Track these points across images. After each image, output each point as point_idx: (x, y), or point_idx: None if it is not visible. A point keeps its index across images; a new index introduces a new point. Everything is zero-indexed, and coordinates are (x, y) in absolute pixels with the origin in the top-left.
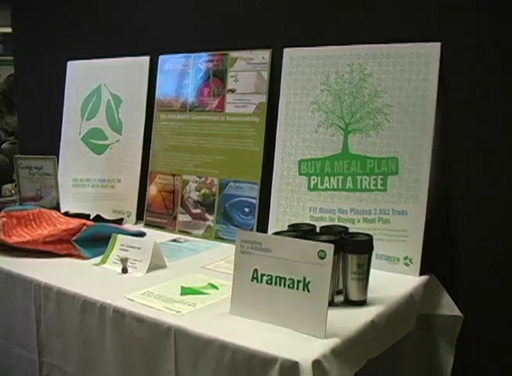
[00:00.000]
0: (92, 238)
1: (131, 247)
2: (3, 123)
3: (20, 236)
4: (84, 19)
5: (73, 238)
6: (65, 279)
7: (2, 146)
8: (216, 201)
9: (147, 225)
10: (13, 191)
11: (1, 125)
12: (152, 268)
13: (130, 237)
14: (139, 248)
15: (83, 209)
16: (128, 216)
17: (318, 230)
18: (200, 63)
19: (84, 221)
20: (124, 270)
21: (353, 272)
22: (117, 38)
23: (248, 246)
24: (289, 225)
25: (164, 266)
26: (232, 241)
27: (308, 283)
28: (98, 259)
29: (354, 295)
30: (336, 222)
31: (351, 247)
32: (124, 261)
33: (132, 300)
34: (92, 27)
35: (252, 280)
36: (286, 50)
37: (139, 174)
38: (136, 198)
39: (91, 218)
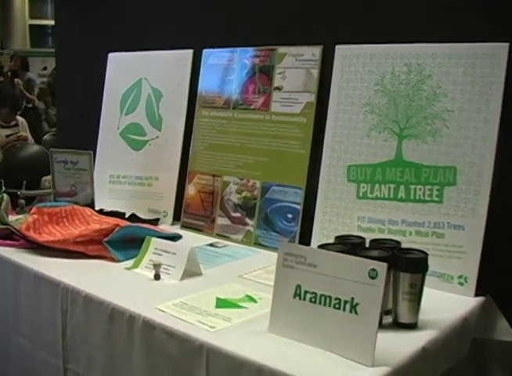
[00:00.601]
0: (125, 239)
1: (166, 251)
2: (48, 114)
3: (51, 233)
4: (127, 11)
5: (106, 239)
6: (94, 283)
7: (44, 137)
8: (257, 205)
9: (184, 226)
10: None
11: (45, 116)
12: (186, 275)
13: (165, 241)
14: (174, 254)
15: (118, 207)
16: (165, 216)
17: (367, 243)
18: (245, 58)
19: (117, 221)
20: (157, 277)
21: (405, 292)
22: (159, 30)
23: (291, 259)
24: (336, 237)
25: (199, 274)
26: (272, 249)
27: (357, 304)
28: (130, 262)
29: (404, 317)
30: (385, 234)
31: (404, 265)
32: (157, 266)
33: (164, 311)
34: (134, 18)
35: (294, 297)
36: (338, 47)
37: (178, 173)
38: (174, 198)
39: (127, 216)
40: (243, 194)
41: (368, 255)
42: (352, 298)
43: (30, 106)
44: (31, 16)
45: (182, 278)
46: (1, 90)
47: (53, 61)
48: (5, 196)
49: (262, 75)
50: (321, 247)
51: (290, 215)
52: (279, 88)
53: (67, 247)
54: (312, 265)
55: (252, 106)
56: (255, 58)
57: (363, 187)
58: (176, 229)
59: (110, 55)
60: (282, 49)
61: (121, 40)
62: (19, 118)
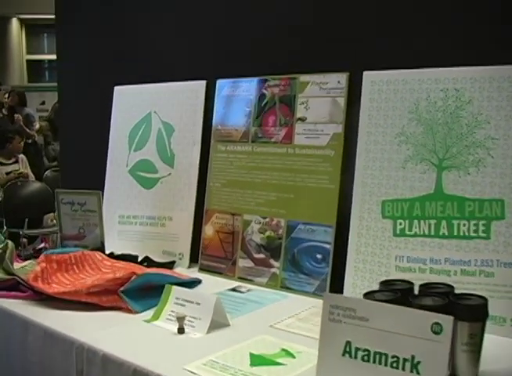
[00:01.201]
0: (142, 288)
1: (189, 301)
2: (48, 150)
3: (61, 283)
4: (133, 42)
5: (121, 289)
6: (112, 340)
7: (45, 173)
8: (283, 246)
9: (202, 269)
10: (55, 221)
11: (45, 152)
12: (213, 327)
13: (187, 290)
14: (198, 304)
15: (129, 249)
16: (181, 259)
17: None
18: (263, 87)
19: (131, 267)
20: (181, 330)
21: (464, 343)
22: (168, 61)
23: (339, 313)
24: (381, 283)
25: (226, 325)
26: (301, 292)
27: (418, 363)
28: (149, 314)
29: (464, 371)
30: (427, 274)
31: (463, 314)
32: (180, 319)
33: (193, 373)
34: (142, 49)
35: (343, 355)
36: (366, 73)
37: (194, 212)
38: (190, 239)
39: (140, 260)
40: (267, 234)
41: (422, 305)
42: (413, 356)
43: (30, 141)
44: (28, 52)
45: (209, 331)
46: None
47: (51, 95)
48: (10, 243)
49: (283, 106)
50: (367, 295)
51: (319, 256)
52: (302, 120)
53: (80, 299)
54: (364, 319)
55: (273, 139)
56: (274, 87)
57: (400, 224)
58: (194, 273)
59: (116, 88)
60: (304, 77)
61: (128, 72)
62: (20, 155)
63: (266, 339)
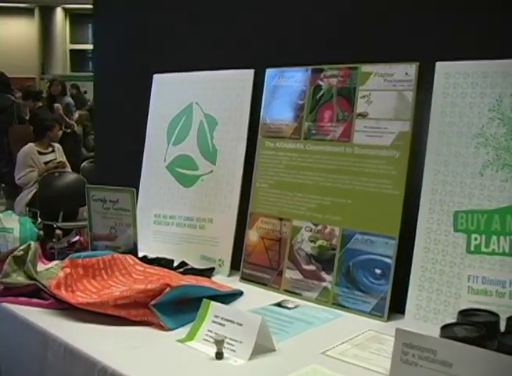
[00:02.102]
0: (177, 301)
1: (230, 321)
2: (88, 140)
3: (86, 291)
4: (173, 28)
5: (153, 302)
6: (139, 363)
7: (83, 164)
8: (336, 257)
9: (244, 279)
10: None
11: (84, 142)
12: (256, 351)
13: (227, 308)
14: (240, 325)
15: (164, 252)
16: (220, 266)
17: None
18: (319, 78)
19: (167, 277)
20: (219, 355)
21: None
22: (213, 47)
23: (414, 354)
24: (459, 313)
25: (272, 349)
26: (356, 311)
27: None
28: (183, 332)
29: None
30: (507, 299)
31: None
32: (219, 343)
33: None
34: (182, 35)
35: None
36: (439, 64)
37: (236, 214)
38: (232, 244)
39: (175, 265)
40: (319, 243)
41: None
42: None
43: (69, 131)
44: (72, 41)
45: (251, 357)
46: (39, 116)
47: (92, 85)
48: (33, 244)
49: (341, 99)
50: (445, 330)
51: (378, 271)
52: (363, 115)
53: (106, 312)
54: (446, 364)
55: (329, 137)
56: (332, 78)
57: (475, 239)
58: (235, 283)
59: (155, 76)
60: (366, 68)
61: (168, 59)
62: (55, 144)
63: (317, 370)
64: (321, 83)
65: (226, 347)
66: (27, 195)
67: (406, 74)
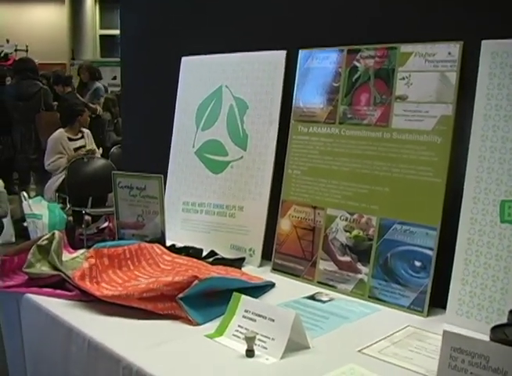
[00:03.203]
0: (205, 293)
1: (261, 316)
2: (117, 124)
3: (111, 282)
4: (201, 7)
5: (180, 295)
6: (167, 360)
7: (112, 150)
8: (373, 248)
9: (276, 270)
10: None
11: (113, 127)
12: (289, 349)
13: (258, 302)
14: (272, 320)
15: (193, 241)
16: (251, 256)
17: None
18: (355, 59)
19: (196, 268)
20: (250, 353)
21: None
22: (243, 28)
23: (464, 359)
24: (510, 312)
25: (306, 347)
26: (394, 305)
27: None
28: (211, 327)
29: None
30: None
31: None
32: (249, 340)
33: None
34: (212, 14)
35: None
36: (485, 42)
37: (268, 202)
38: (263, 233)
39: (204, 255)
40: (354, 233)
41: None
42: None
43: (94, 116)
44: (102, 27)
45: (284, 355)
46: (68, 101)
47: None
48: (57, 233)
49: (379, 81)
50: (496, 331)
51: (418, 263)
52: (402, 98)
53: (131, 304)
54: (500, 372)
55: (365, 121)
56: (368, 59)
57: None
58: (266, 273)
59: (184, 59)
60: (405, 47)
61: (196, 41)
62: (85, 130)
63: (355, 370)
64: (357, 64)
65: (257, 344)
66: (56, 181)
67: (449, 53)
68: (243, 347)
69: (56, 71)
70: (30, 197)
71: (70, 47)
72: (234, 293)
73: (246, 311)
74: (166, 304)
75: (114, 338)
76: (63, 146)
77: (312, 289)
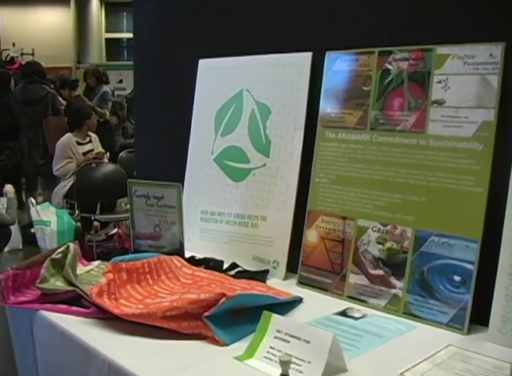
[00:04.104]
0: (232, 311)
1: (294, 337)
2: (124, 128)
3: (130, 298)
4: (220, 8)
5: (206, 314)
6: None
7: (120, 154)
8: (408, 261)
9: (302, 283)
10: (128, 205)
11: (122, 130)
12: (326, 372)
13: (291, 322)
14: (307, 342)
15: (213, 252)
16: (275, 268)
17: None
18: (387, 61)
19: (218, 281)
20: None
21: None
22: (265, 28)
23: None
24: None
25: (343, 370)
26: (431, 322)
27: None
28: (240, 347)
29: None
30: None
31: None
32: (284, 364)
33: None
34: (230, 15)
35: None
36: None
37: (293, 212)
38: (288, 244)
39: (226, 267)
40: (387, 245)
41: None
42: None
43: (102, 120)
44: (107, 30)
45: None
46: (75, 105)
47: (129, 74)
48: (72, 246)
49: (413, 84)
50: None
51: (457, 278)
52: (439, 103)
53: (154, 323)
54: None
55: (399, 127)
56: (402, 61)
57: None
58: (292, 287)
59: (201, 61)
60: (442, 49)
61: (215, 42)
62: (92, 134)
63: None
64: (389, 67)
65: (292, 367)
66: (64, 186)
67: (491, 55)
68: (275, 370)
69: (62, 75)
70: (37, 203)
71: (76, 50)
72: (264, 311)
73: (278, 331)
74: (191, 323)
75: (136, 360)
76: (72, 150)
77: (342, 304)
